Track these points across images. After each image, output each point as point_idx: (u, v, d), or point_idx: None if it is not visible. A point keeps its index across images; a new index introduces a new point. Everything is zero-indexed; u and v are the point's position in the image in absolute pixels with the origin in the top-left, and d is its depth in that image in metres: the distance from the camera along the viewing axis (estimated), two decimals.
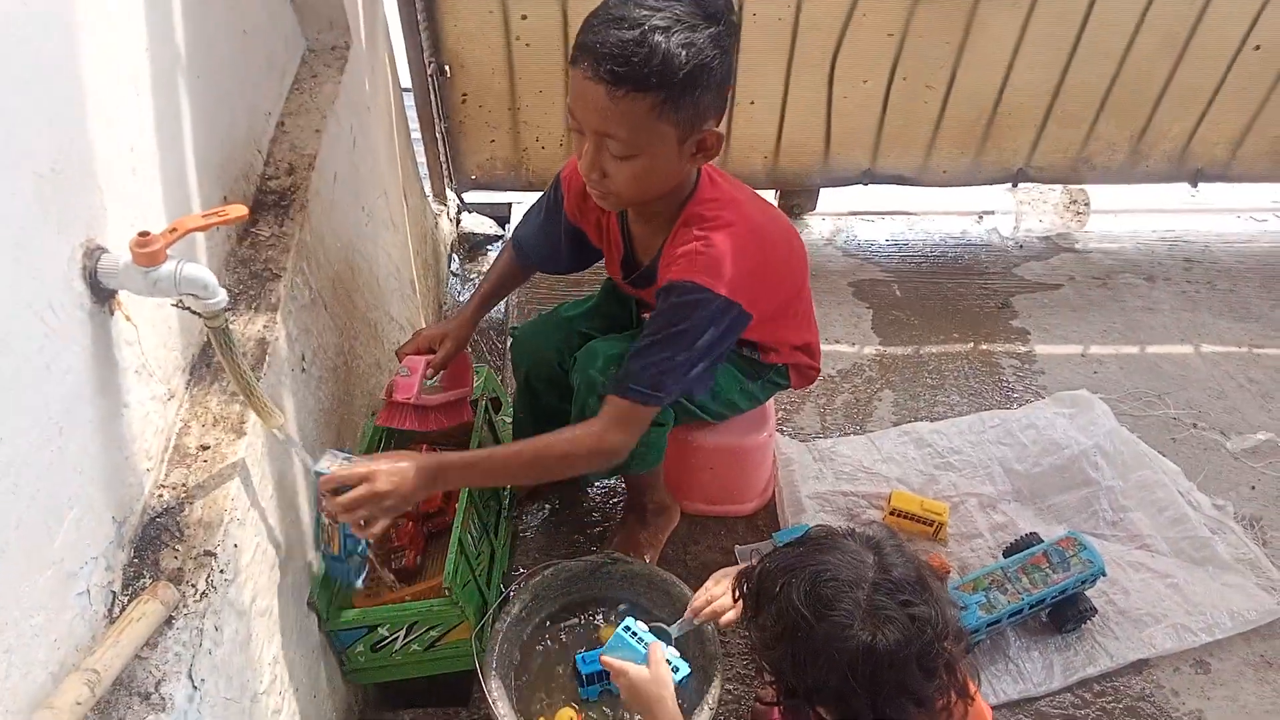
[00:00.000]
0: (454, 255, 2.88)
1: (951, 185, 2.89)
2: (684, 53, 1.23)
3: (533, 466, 1.49)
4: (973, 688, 1.20)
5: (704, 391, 1.56)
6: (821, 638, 1.09)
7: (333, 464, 1.34)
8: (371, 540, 1.41)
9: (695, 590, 1.66)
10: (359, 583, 1.46)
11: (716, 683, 1.54)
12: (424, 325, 1.65)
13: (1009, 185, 2.93)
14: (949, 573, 1.93)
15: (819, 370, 1.84)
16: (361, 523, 1.33)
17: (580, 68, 1.28)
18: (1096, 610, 1.83)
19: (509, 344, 1.86)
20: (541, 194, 1.75)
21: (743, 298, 1.43)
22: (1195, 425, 2.35)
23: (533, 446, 1.46)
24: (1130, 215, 3.12)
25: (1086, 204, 3.01)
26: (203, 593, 1.06)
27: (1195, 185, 2.96)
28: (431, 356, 1.69)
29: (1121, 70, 2.62)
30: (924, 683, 1.10)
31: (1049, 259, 2.93)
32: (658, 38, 1.22)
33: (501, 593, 1.70)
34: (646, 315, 1.75)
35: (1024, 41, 2.54)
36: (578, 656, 1.63)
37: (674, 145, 1.33)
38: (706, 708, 1.51)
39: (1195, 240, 3.03)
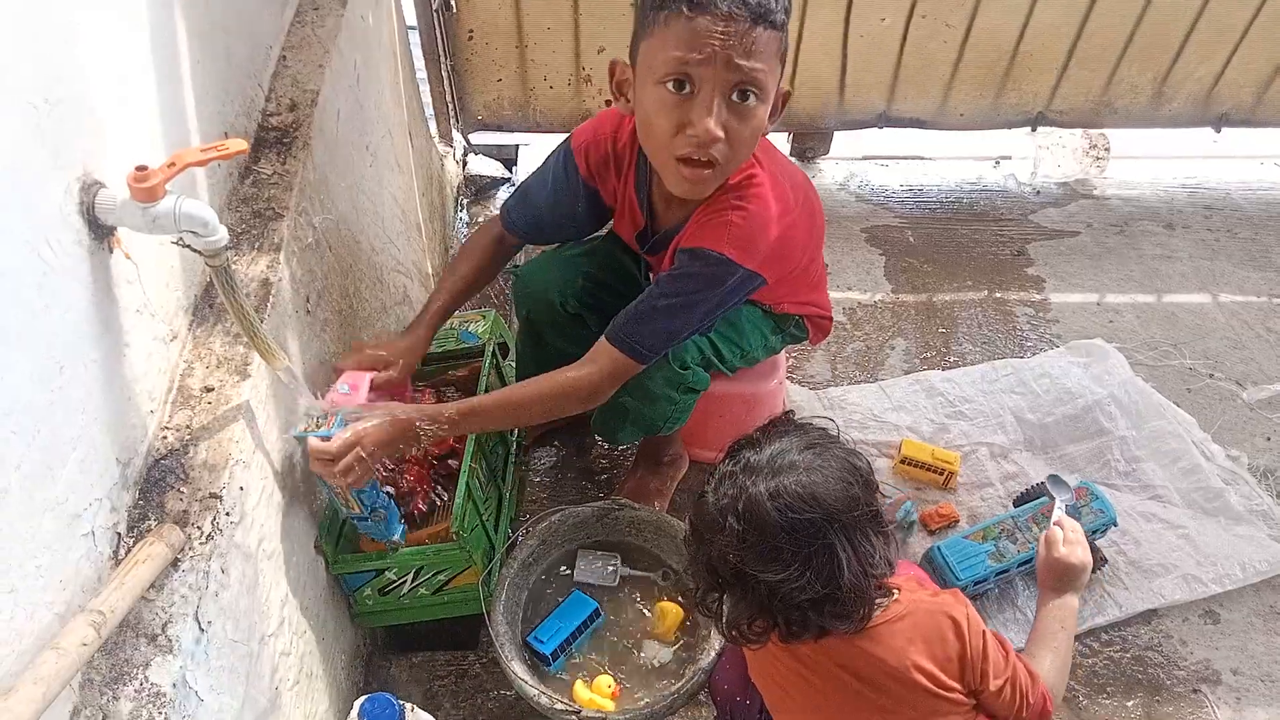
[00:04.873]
0: (460, 198, 2.84)
1: (969, 129, 2.82)
2: None
3: (523, 413, 1.49)
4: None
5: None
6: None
7: (309, 424, 1.33)
8: (392, 491, 1.44)
9: None
10: (399, 536, 1.47)
11: None
12: (366, 342, 1.53)
13: (1028, 129, 2.86)
14: (957, 521, 1.92)
15: (832, 320, 1.82)
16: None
17: (701, 10, 1.21)
18: (1106, 560, 1.82)
19: (510, 283, 1.81)
20: (535, 174, 1.65)
21: (768, 271, 1.44)
22: (1211, 375, 2.32)
23: (523, 393, 1.46)
24: (1151, 161, 3.04)
25: (1106, 149, 2.94)
26: (208, 535, 1.05)
27: (1219, 130, 2.88)
28: (374, 374, 1.48)
29: (1147, 9, 2.53)
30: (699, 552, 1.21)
31: (1066, 205, 2.87)
32: None
33: (509, 537, 1.70)
34: (653, 274, 1.72)
35: None
36: (529, 639, 1.61)
37: (774, 96, 1.32)
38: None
39: (1216, 187, 2.96)
